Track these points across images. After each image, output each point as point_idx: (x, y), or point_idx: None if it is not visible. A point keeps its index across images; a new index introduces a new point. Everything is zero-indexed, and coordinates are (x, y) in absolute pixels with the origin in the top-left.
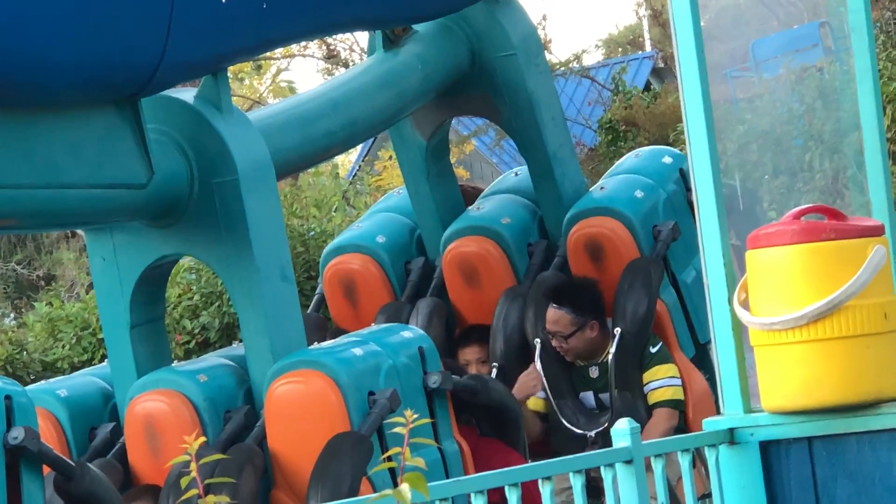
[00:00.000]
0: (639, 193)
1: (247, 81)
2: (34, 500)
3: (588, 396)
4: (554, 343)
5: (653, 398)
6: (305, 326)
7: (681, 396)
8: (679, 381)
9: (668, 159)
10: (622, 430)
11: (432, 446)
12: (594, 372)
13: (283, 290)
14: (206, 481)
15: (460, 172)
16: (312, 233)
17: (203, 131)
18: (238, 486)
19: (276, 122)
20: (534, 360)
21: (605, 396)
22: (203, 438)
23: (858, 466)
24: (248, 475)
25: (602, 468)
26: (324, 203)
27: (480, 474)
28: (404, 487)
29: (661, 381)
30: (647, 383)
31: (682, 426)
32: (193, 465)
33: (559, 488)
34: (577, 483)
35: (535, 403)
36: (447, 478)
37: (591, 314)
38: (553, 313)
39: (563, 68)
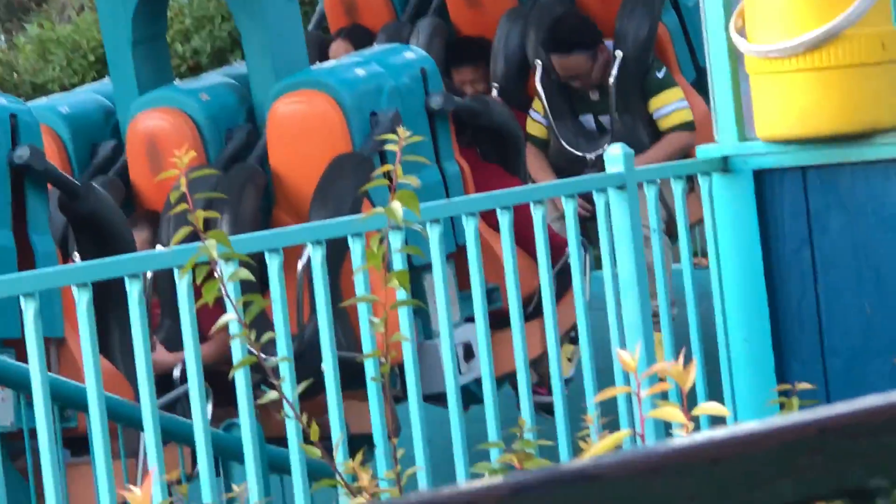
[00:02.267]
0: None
1: None
2: (38, 219)
3: (588, 119)
4: (576, 84)
5: (666, 123)
6: (307, 45)
7: (692, 118)
8: (687, 104)
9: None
10: (615, 155)
11: (433, 167)
12: (595, 94)
13: (285, 7)
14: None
15: None
16: None
17: None
18: (238, 204)
19: None
20: (534, 82)
21: (605, 119)
22: (193, 153)
23: (852, 197)
24: (248, 194)
25: (594, 193)
26: None
27: (472, 196)
28: (395, 205)
29: (672, 106)
30: (657, 109)
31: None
32: (183, 181)
33: (556, 216)
34: (570, 207)
35: (536, 129)
36: (448, 198)
37: (597, 41)
38: (568, 61)
39: None
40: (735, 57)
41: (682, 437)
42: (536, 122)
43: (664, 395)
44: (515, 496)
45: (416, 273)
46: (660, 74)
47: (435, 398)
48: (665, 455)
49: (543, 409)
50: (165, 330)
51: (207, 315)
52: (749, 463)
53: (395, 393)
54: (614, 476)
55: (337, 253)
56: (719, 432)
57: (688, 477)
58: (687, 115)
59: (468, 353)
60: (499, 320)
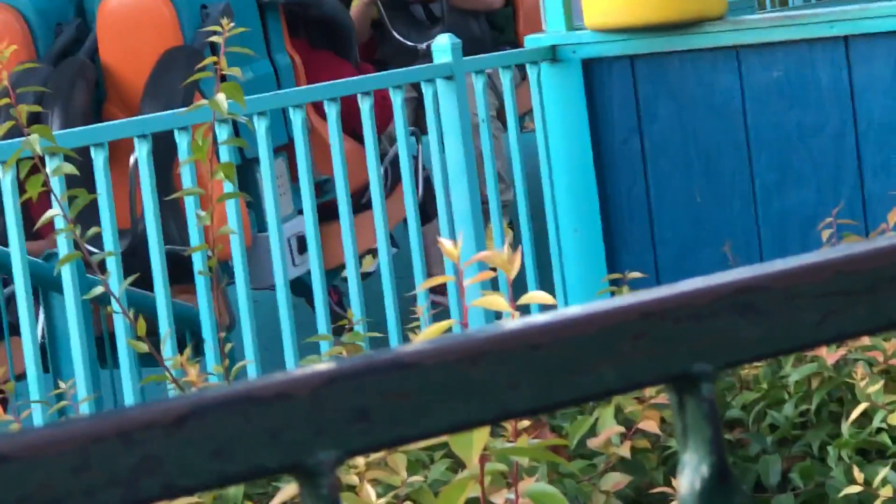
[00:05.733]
0: None
1: None
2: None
3: (418, 9)
4: None
5: None
6: None
7: None
8: None
9: None
10: (443, 45)
11: (264, 59)
12: None
13: None
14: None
15: None
16: None
17: None
18: (68, 99)
19: None
20: None
21: (435, 7)
22: (14, 47)
23: (680, 85)
24: (79, 89)
25: (422, 84)
26: None
27: (298, 88)
28: (220, 97)
29: None
30: None
31: (515, 39)
32: (4, 74)
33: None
34: (397, 98)
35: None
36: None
37: None
38: None
39: None
40: None
41: (501, 323)
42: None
43: (496, 287)
44: (330, 385)
45: (249, 165)
46: None
47: (271, 290)
48: (483, 341)
49: None
50: None
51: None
52: (570, 349)
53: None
54: (431, 363)
55: (168, 147)
56: (539, 318)
57: (507, 364)
58: None
59: (302, 245)
60: (333, 212)
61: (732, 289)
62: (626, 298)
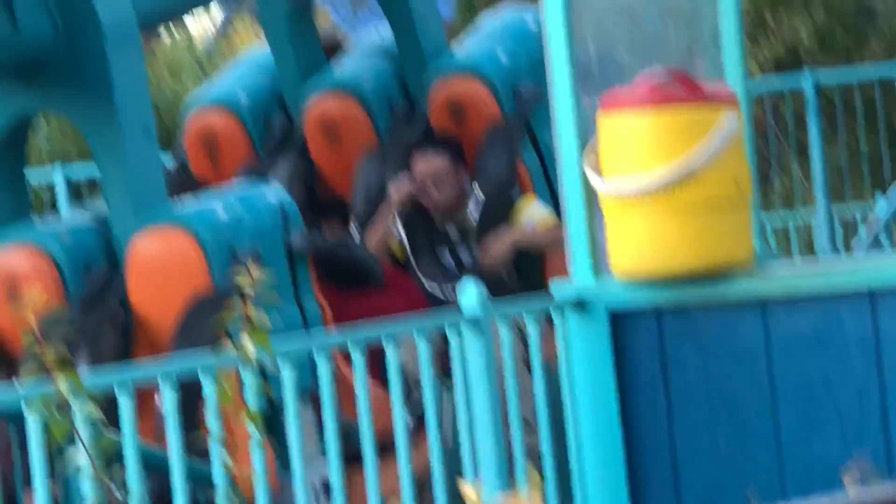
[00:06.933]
0: (501, 53)
1: None
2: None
3: (446, 256)
4: (425, 196)
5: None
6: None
7: (557, 220)
8: (545, 205)
9: (529, 18)
10: (470, 292)
11: (293, 306)
12: (453, 232)
13: (145, 146)
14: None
15: None
16: (166, 99)
17: None
18: (97, 343)
19: None
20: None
21: (463, 256)
22: (45, 293)
23: (706, 336)
24: (107, 333)
25: (447, 330)
26: (177, 69)
27: (324, 334)
28: (246, 343)
29: (532, 208)
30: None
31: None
32: (32, 317)
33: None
34: (422, 344)
35: (396, 248)
36: None
37: (461, 162)
38: (429, 159)
39: None
40: (589, 193)
41: None
42: (397, 242)
43: None
44: None
45: (276, 409)
46: (517, 197)
47: None
48: None
49: None
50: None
51: None
52: None
53: None
54: None
55: (195, 389)
56: None
57: None
58: (552, 214)
59: (328, 489)
60: (360, 455)
61: None
62: None
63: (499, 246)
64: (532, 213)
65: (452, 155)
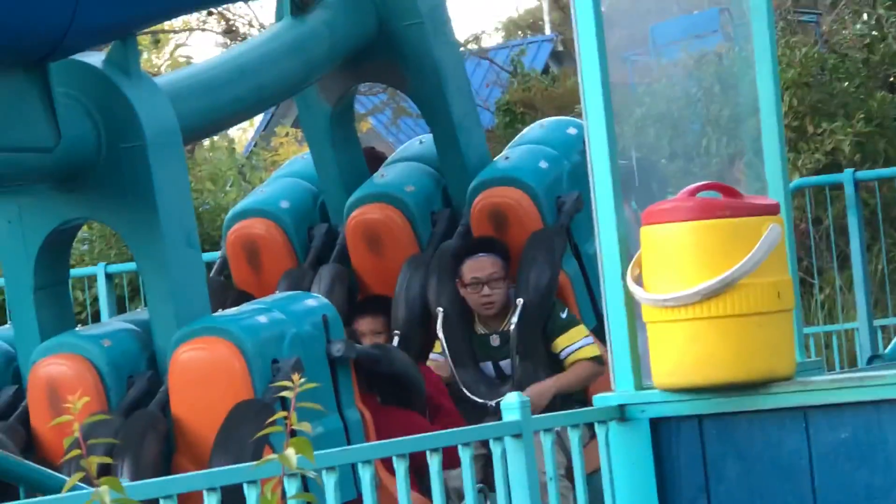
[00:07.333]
0: (543, 164)
1: (145, 55)
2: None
3: (488, 366)
4: (477, 296)
5: (574, 358)
6: (209, 291)
7: (600, 353)
8: (593, 340)
9: (572, 130)
10: (512, 403)
11: (334, 414)
12: (495, 341)
13: (188, 256)
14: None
15: None
16: (207, 206)
17: (111, 96)
18: (138, 450)
19: (183, 88)
20: (435, 329)
21: (505, 365)
22: (87, 398)
23: (748, 445)
24: (150, 440)
25: (491, 441)
26: (219, 177)
27: (368, 444)
28: (290, 452)
29: (580, 343)
30: (564, 348)
31: (583, 397)
32: (76, 426)
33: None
34: (466, 456)
35: (437, 368)
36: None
37: (507, 255)
38: (484, 260)
39: (461, 49)
40: (632, 304)
41: None
42: (434, 361)
43: None
44: None
45: None
46: (563, 315)
47: None
48: None
49: None
50: None
51: None
52: None
53: None
54: None
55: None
56: None
57: None
58: (595, 350)
59: None
60: None
61: None
62: None
63: (540, 397)
64: (576, 347)
65: (503, 260)
